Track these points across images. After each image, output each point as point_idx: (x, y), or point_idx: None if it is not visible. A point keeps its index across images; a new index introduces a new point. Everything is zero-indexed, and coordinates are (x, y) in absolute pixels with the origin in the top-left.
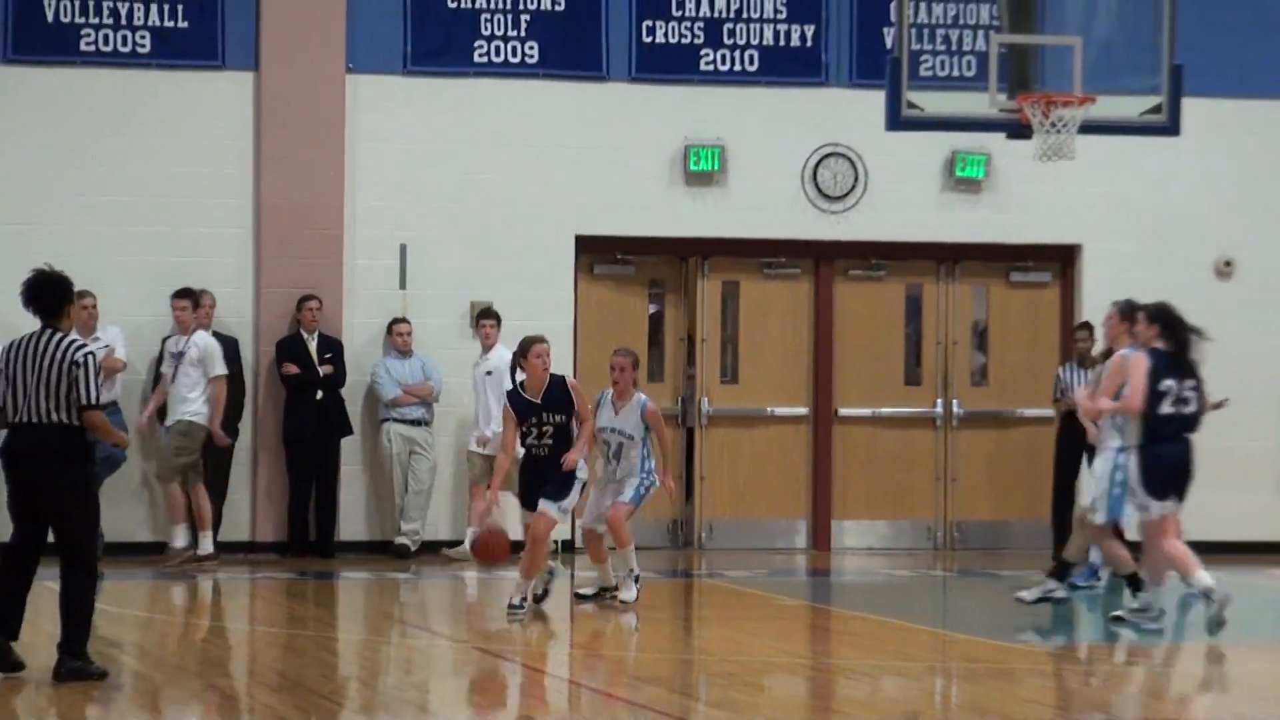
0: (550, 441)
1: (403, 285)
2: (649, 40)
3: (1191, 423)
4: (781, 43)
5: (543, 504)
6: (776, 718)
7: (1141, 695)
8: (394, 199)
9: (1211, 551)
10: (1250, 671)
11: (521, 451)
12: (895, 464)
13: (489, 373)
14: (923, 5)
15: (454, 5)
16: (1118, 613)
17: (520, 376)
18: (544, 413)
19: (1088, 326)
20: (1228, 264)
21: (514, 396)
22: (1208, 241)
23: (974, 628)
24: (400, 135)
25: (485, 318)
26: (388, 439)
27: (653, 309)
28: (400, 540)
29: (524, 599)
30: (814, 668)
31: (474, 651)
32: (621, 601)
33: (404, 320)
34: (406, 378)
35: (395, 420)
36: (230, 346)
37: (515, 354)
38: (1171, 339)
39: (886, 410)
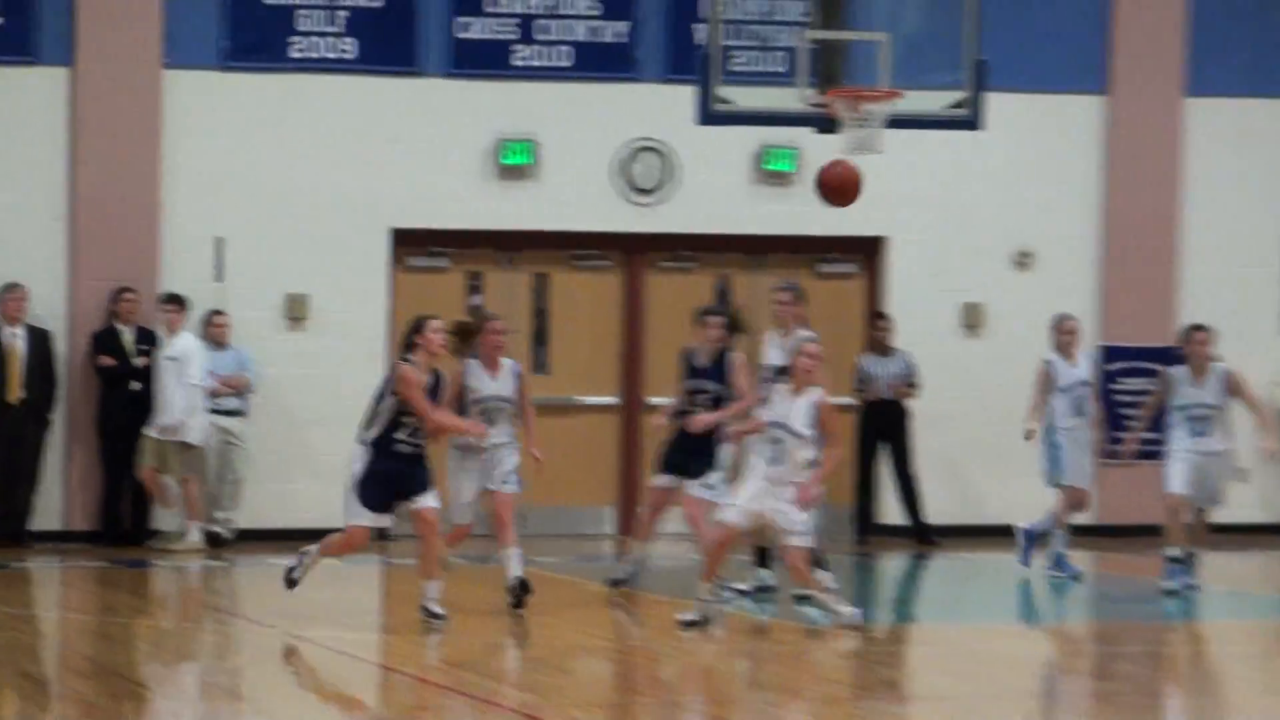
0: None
1: (219, 278)
2: (463, 36)
3: None
4: (594, 39)
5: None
6: (582, 700)
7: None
8: (211, 193)
9: (993, 535)
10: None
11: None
12: None
13: (173, 359)
14: (734, 2)
15: (271, 1)
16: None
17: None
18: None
19: (885, 316)
20: (1026, 255)
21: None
22: (1007, 233)
23: (785, 609)
24: (217, 130)
25: (169, 303)
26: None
27: (477, 300)
28: (215, 529)
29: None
30: (619, 650)
31: (287, 637)
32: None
33: (221, 312)
34: (222, 369)
35: (211, 411)
36: (43, 339)
37: (409, 331)
38: None
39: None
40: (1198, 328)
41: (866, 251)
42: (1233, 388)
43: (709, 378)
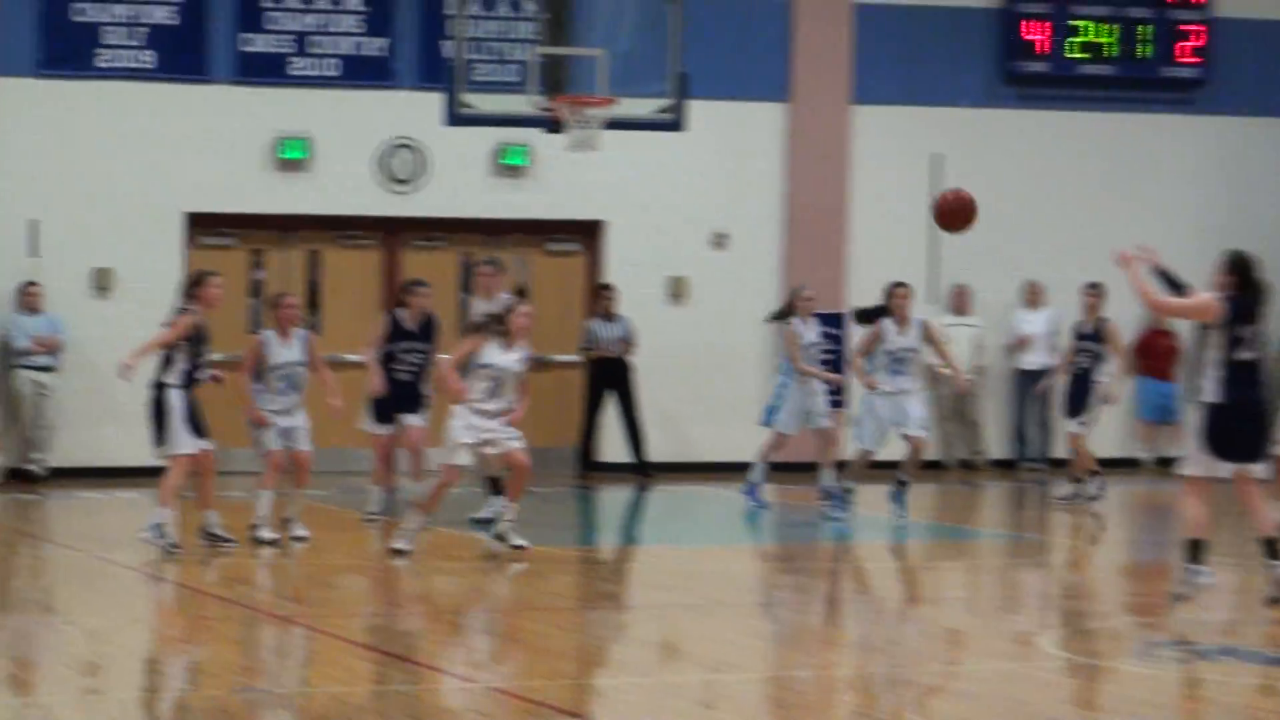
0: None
1: (34, 254)
2: (247, 50)
3: None
4: (359, 52)
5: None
6: (346, 608)
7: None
8: (28, 183)
9: (709, 471)
10: (720, 569)
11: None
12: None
13: None
14: (475, 22)
15: (79, 18)
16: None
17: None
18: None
19: (610, 287)
20: (721, 236)
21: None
22: (706, 218)
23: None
24: (34, 129)
25: None
26: (19, 383)
27: (260, 274)
28: (31, 466)
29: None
30: (381, 569)
31: (95, 560)
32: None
33: (34, 283)
34: (37, 332)
35: (25, 367)
36: None
37: (191, 284)
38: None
39: (443, 357)
40: (899, 284)
41: (588, 233)
42: (928, 335)
43: (418, 339)
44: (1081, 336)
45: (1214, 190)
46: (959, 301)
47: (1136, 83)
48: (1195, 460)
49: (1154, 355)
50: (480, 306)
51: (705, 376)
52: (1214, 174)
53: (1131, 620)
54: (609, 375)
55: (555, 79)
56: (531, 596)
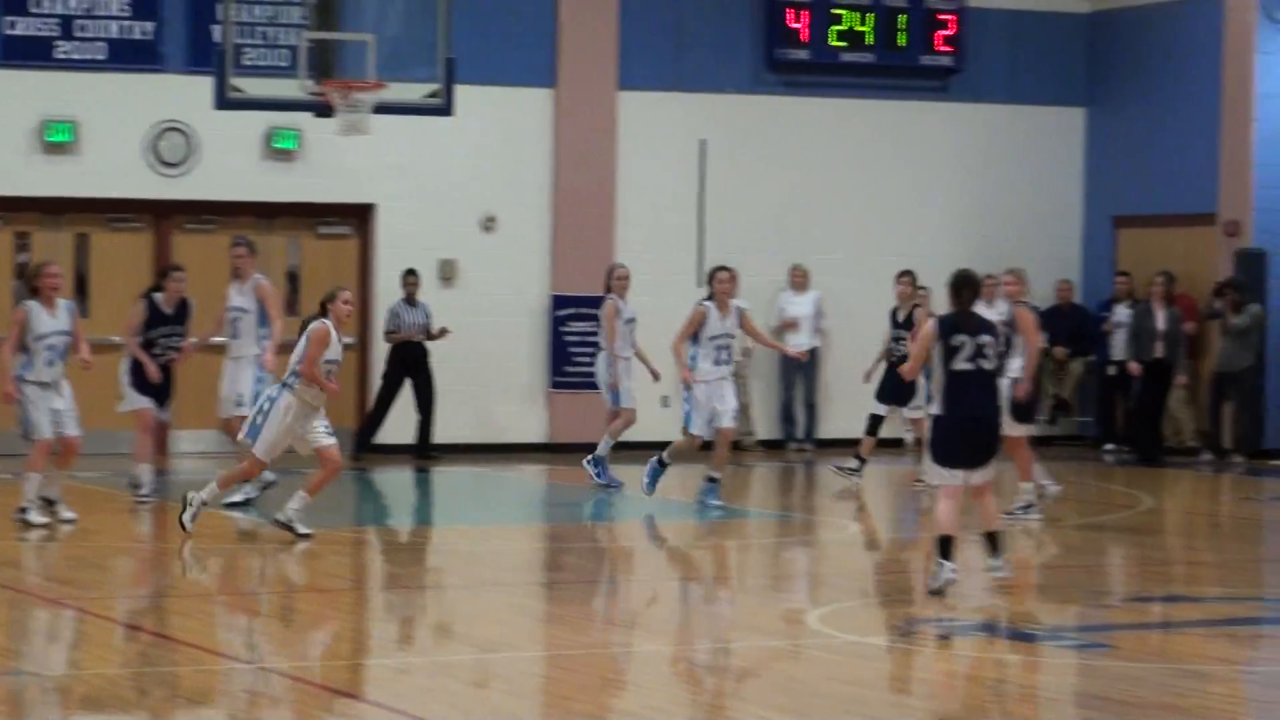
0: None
1: None
2: (11, 33)
3: None
4: (125, 36)
5: None
6: (116, 590)
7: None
8: None
9: (479, 452)
10: (496, 548)
11: None
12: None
13: None
14: (244, 6)
15: None
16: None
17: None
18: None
19: (415, 272)
20: (491, 220)
21: None
22: (476, 201)
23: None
24: None
25: None
26: None
27: (25, 258)
28: None
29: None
30: (153, 551)
31: None
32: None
33: None
34: None
35: None
36: None
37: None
38: None
39: (218, 340)
40: (722, 269)
41: (360, 216)
42: (744, 322)
43: (175, 323)
44: (896, 325)
45: (968, 175)
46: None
47: (895, 70)
48: (931, 470)
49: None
50: (236, 287)
51: (475, 358)
52: (968, 159)
53: (896, 597)
54: (409, 358)
55: (325, 63)
56: (307, 578)
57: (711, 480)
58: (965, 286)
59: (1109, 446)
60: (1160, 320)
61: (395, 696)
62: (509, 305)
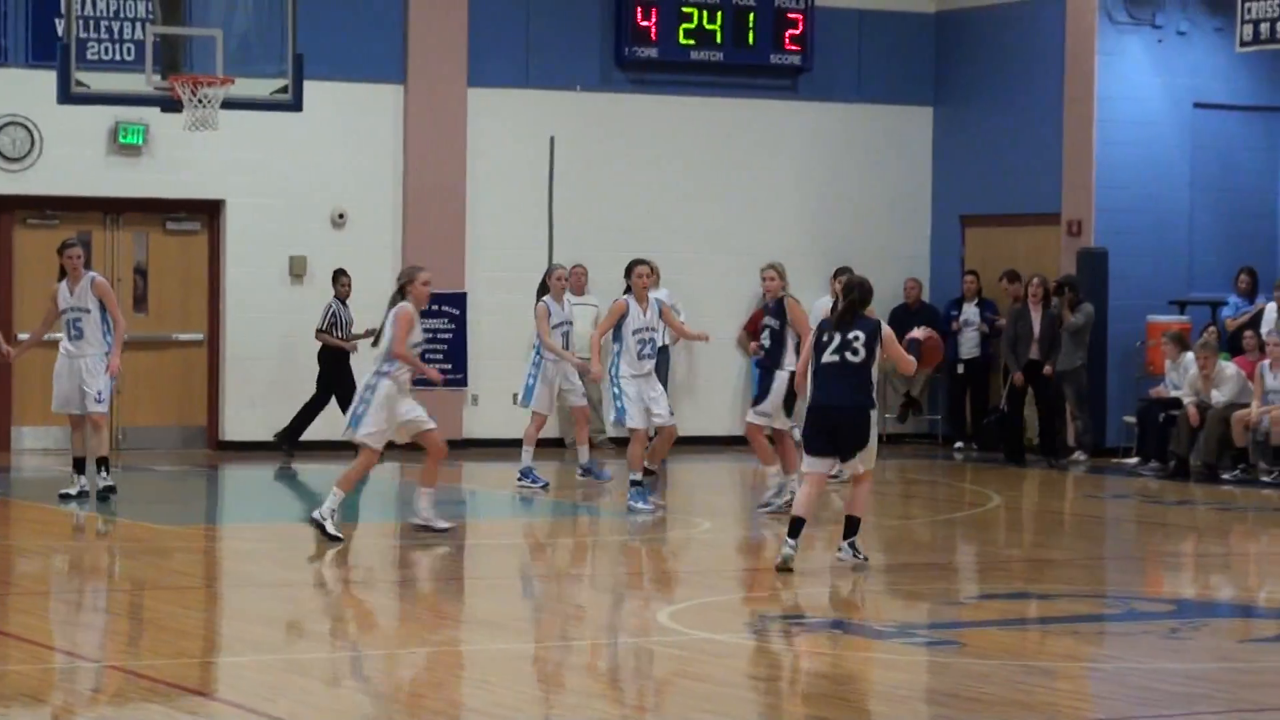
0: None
1: None
2: None
3: None
4: None
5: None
6: None
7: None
8: None
9: (333, 449)
10: (350, 546)
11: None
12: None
13: None
14: (88, 0)
15: None
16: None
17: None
18: None
19: (345, 272)
20: (341, 216)
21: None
22: (326, 198)
23: (138, 514)
24: None
25: None
26: None
27: None
28: None
29: None
30: None
31: None
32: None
33: None
34: None
35: None
36: None
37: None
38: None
39: (57, 335)
40: (641, 262)
41: (209, 212)
42: (663, 314)
43: None
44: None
45: (817, 173)
46: (578, 282)
47: (744, 69)
48: (804, 460)
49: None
50: (65, 288)
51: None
52: (817, 158)
53: (745, 595)
54: (340, 360)
55: (172, 58)
56: (156, 576)
57: (637, 483)
58: (848, 288)
59: (958, 444)
60: (1036, 323)
61: (245, 694)
62: (360, 302)
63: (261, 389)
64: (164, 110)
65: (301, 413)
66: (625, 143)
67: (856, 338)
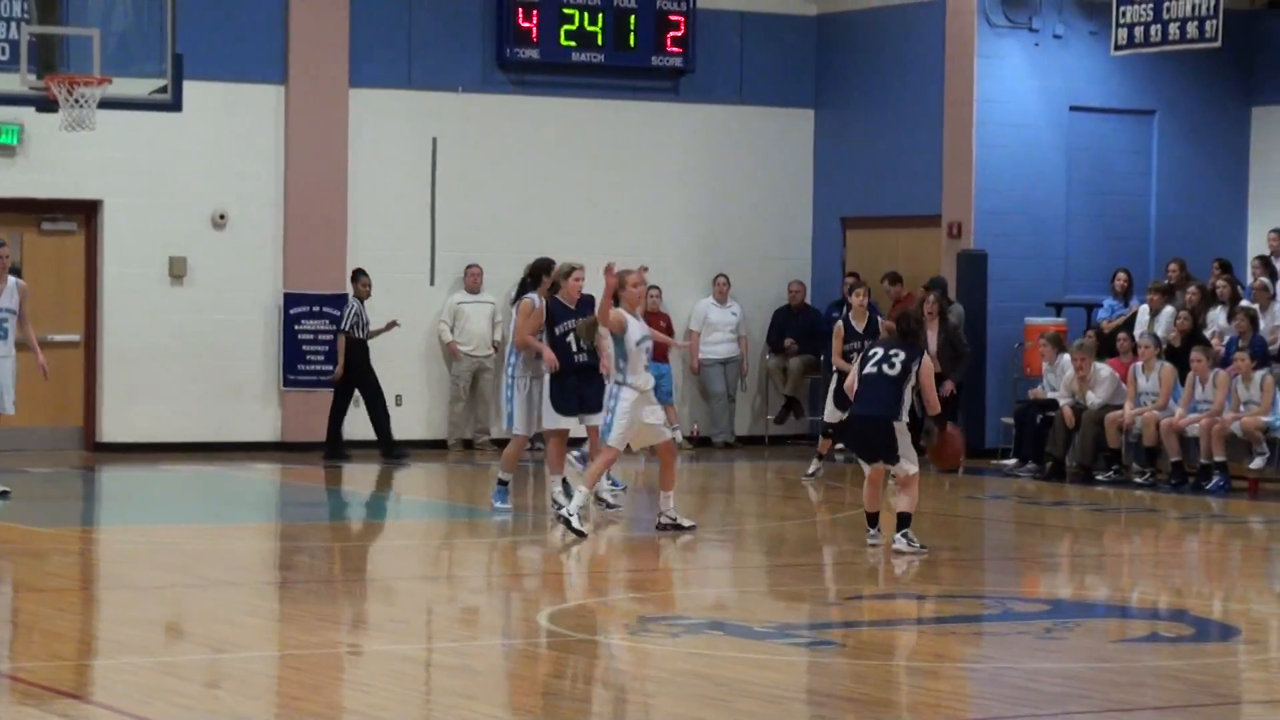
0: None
1: None
2: None
3: None
4: None
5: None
6: None
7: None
8: None
9: (212, 451)
10: (228, 547)
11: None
12: None
13: None
14: None
15: None
16: None
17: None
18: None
19: (365, 272)
20: (222, 217)
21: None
22: (206, 198)
23: (13, 516)
24: None
25: None
26: None
27: None
28: None
29: None
30: None
31: None
32: None
33: None
34: None
35: None
36: None
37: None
38: None
39: None
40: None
41: (85, 212)
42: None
43: None
44: (857, 334)
45: (700, 175)
46: (472, 281)
47: (626, 71)
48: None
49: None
50: None
51: (206, 356)
52: (699, 160)
53: (627, 595)
54: (360, 360)
55: (48, 57)
56: (30, 578)
57: (504, 484)
58: (905, 320)
59: (839, 446)
60: (933, 340)
61: (119, 697)
62: (241, 303)
63: (141, 390)
64: (40, 110)
65: (375, 419)
66: (508, 144)
67: (897, 354)
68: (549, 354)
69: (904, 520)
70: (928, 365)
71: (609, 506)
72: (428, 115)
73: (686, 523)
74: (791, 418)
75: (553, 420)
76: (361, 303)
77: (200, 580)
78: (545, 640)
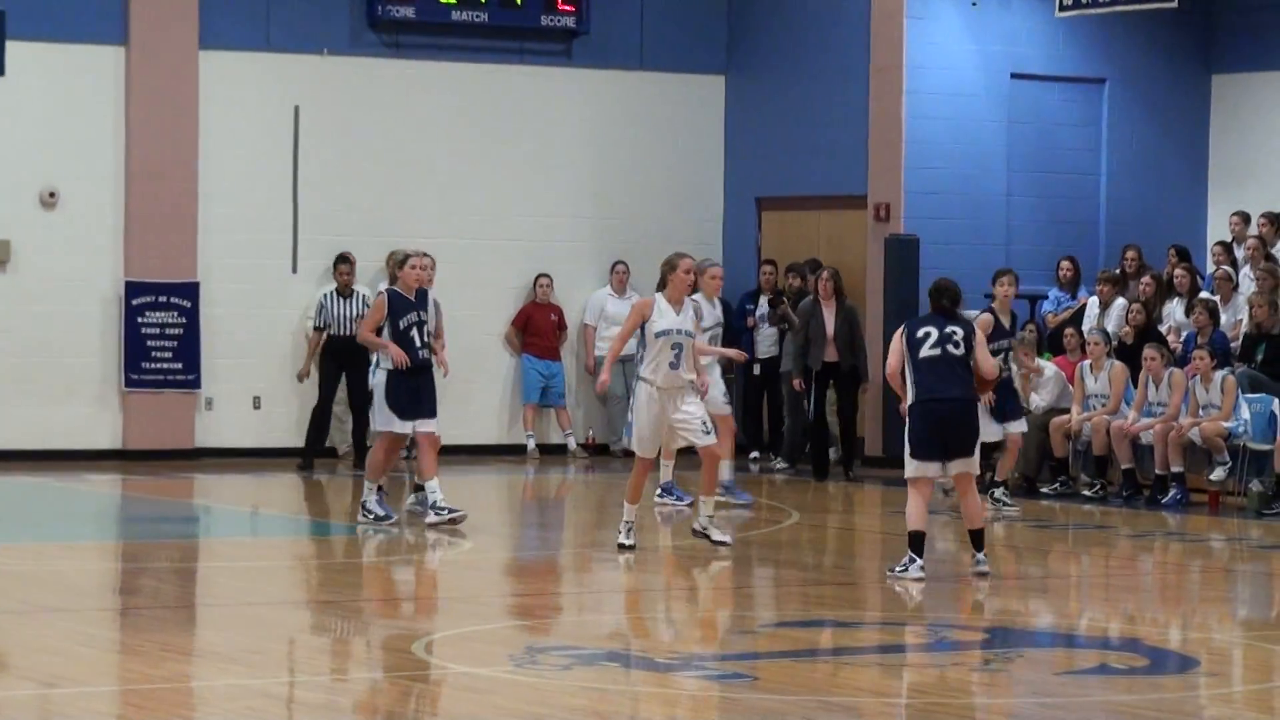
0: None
1: None
2: None
3: None
4: None
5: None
6: None
7: None
8: None
9: (37, 459)
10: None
11: None
12: None
13: None
14: None
15: None
16: None
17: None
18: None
19: (348, 259)
20: (52, 195)
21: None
22: (34, 174)
23: None
24: None
25: None
26: None
27: None
28: None
29: None
30: None
31: None
32: None
33: None
34: None
35: None
36: None
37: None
38: None
39: None
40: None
41: None
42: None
43: None
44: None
45: (597, 149)
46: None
47: (512, 31)
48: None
49: (537, 332)
50: None
51: (35, 353)
52: (596, 131)
53: (514, 623)
54: (344, 355)
55: None
56: None
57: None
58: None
59: (754, 454)
60: (830, 322)
61: None
62: (75, 293)
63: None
64: None
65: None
66: (380, 113)
67: (954, 333)
68: (395, 350)
69: (979, 539)
70: (981, 338)
71: (715, 541)
72: (289, 81)
73: (719, 536)
74: None
75: (386, 421)
76: (337, 294)
77: (26, 606)
78: (420, 673)
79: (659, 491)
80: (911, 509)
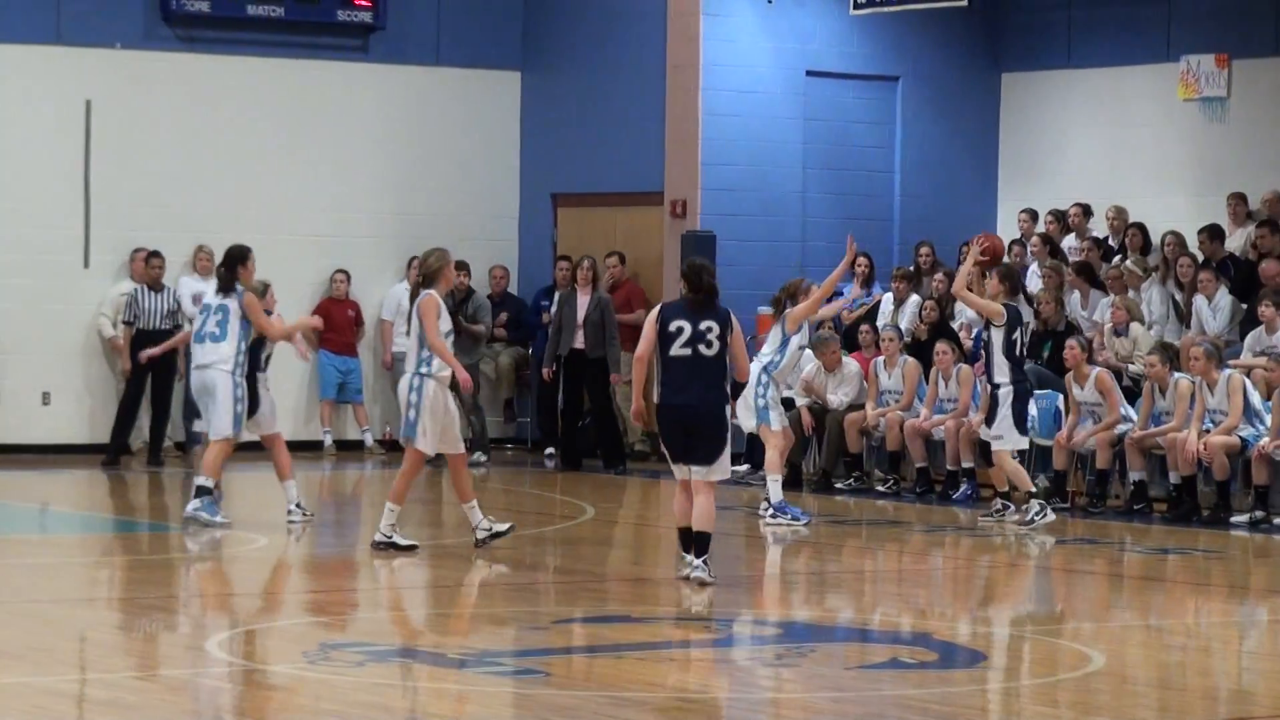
0: None
1: None
2: None
3: None
4: None
5: None
6: None
7: None
8: None
9: None
10: None
11: None
12: None
13: None
14: None
15: None
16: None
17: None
18: None
19: (159, 254)
20: None
21: None
22: None
23: None
24: None
25: None
26: None
27: None
28: None
29: None
30: None
31: None
32: None
33: None
34: None
35: None
36: None
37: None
38: None
39: None
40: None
41: None
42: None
43: None
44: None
45: (394, 144)
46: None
47: (308, 26)
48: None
49: (333, 328)
50: None
51: None
52: (393, 126)
53: (309, 619)
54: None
55: None
56: None
57: (207, 491)
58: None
59: (550, 450)
60: (582, 308)
61: None
62: None
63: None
64: None
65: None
66: (175, 108)
67: (709, 329)
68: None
69: (702, 542)
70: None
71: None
72: (80, 75)
73: (487, 529)
74: (500, 420)
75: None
76: (149, 289)
77: None
78: (211, 670)
79: (771, 511)
80: (675, 504)
